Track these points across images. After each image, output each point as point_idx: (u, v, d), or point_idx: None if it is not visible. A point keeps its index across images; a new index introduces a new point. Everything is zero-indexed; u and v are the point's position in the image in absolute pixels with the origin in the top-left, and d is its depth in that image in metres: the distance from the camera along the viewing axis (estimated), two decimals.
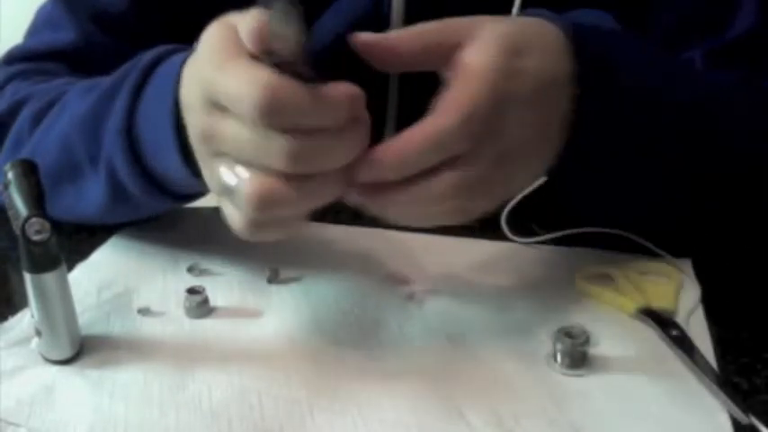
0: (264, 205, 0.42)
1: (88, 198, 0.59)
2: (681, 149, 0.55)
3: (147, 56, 0.55)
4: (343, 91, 0.41)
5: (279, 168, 0.41)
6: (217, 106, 0.43)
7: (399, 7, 0.66)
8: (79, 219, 0.64)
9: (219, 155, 0.44)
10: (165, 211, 0.65)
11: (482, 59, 0.44)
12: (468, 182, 0.44)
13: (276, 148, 0.41)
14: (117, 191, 0.56)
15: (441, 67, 0.46)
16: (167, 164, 0.52)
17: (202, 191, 0.57)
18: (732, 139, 0.58)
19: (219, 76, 0.42)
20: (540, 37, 0.48)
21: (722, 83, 0.61)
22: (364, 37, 0.46)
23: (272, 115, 0.40)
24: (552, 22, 0.49)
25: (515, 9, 0.60)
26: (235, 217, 0.44)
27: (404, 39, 0.46)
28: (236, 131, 0.42)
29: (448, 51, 0.45)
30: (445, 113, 0.43)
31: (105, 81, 0.57)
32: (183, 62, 0.49)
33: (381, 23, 0.67)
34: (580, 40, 0.48)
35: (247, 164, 0.43)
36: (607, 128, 0.51)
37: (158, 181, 0.55)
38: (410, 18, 0.66)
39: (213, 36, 0.44)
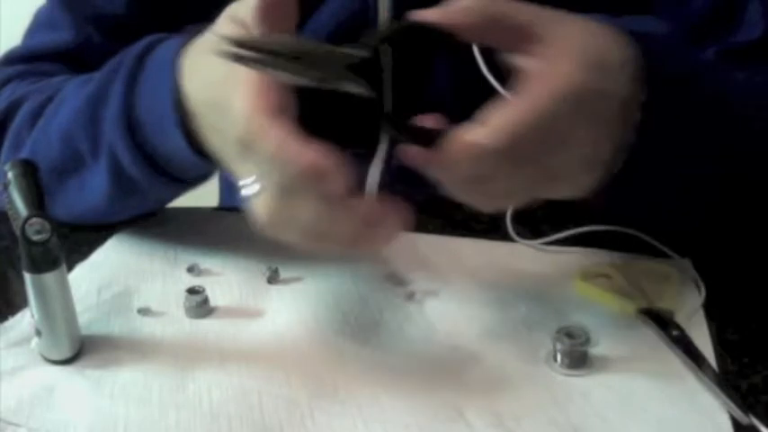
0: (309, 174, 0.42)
1: (92, 190, 0.59)
2: (735, 151, 0.53)
3: (139, 44, 0.55)
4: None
5: None
6: None
7: (385, 10, 0.66)
8: (84, 214, 0.63)
9: None
10: (171, 201, 0.65)
11: (557, 73, 0.43)
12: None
13: None
14: (121, 179, 0.57)
15: (508, 48, 0.45)
16: (171, 145, 0.52)
17: (206, 173, 0.57)
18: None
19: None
20: (615, 53, 0.46)
21: (756, 81, 0.59)
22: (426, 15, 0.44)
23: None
24: (622, 36, 0.47)
25: None
26: (259, 208, 0.44)
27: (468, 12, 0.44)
28: None
29: (520, 38, 0.44)
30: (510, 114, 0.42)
31: (100, 72, 0.58)
32: (180, 46, 0.51)
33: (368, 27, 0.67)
34: (653, 62, 0.47)
35: None
36: (669, 142, 0.50)
37: (162, 165, 0.55)
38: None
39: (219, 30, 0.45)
